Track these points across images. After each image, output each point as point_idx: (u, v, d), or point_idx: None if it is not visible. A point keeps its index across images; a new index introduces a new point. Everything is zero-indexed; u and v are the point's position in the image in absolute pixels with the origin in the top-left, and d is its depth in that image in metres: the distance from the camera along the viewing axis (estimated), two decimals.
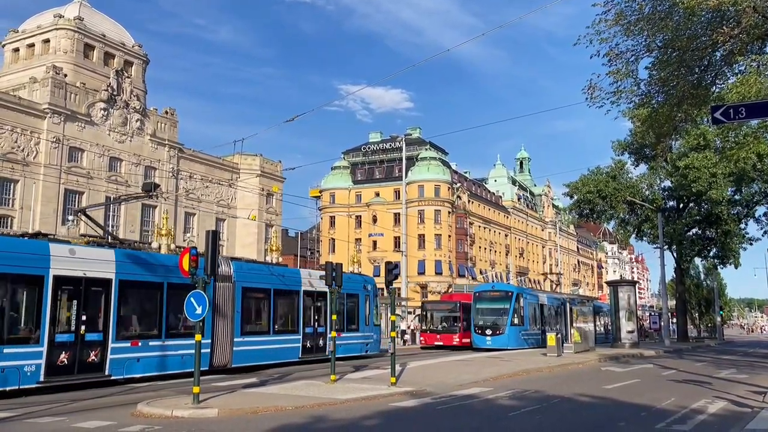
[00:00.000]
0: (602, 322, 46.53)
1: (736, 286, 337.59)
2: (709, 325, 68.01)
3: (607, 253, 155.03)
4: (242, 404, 12.10)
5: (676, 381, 17.74)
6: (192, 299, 12.15)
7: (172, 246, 21.91)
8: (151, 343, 17.02)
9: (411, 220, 72.79)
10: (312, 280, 23.42)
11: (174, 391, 14.24)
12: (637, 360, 27.79)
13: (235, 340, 19.56)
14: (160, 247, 20.35)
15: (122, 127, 55.82)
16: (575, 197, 44.55)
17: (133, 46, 63.00)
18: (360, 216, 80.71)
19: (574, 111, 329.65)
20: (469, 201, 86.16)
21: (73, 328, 15.11)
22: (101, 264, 15.88)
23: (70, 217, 50.20)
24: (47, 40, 57.58)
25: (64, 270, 14.90)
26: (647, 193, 45.34)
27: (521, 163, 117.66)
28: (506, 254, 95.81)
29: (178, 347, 17.49)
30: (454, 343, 35.40)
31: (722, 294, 78.28)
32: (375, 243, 78.75)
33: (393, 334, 16.77)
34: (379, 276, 61.27)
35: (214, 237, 12.85)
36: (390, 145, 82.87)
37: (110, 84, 55.06)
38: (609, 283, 43.77)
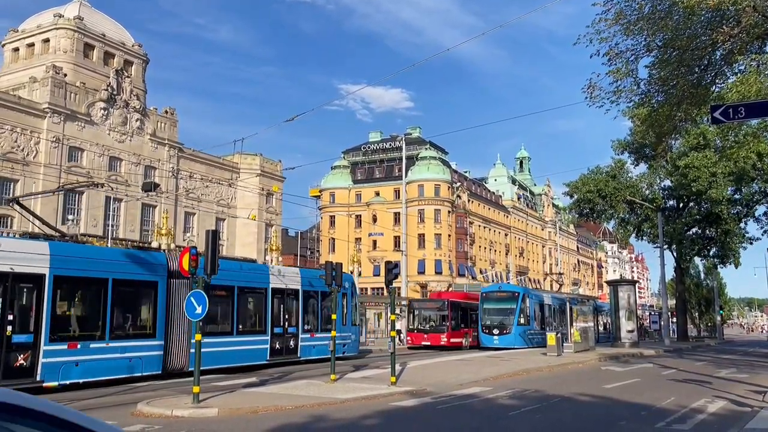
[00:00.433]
0: (602, 322, 46.58)
1: (735, 285, 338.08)
2: (709, 324, 68.06)
3: (607, 253, 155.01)
4: (242, 404, 12.10)
5: (676, 380, 17.74)
6: (192, 299, 12.17)
7: (172, 245, 21.79)
8: (92, 346, 15.43)
9: (411, 219, 72.80)
10: (282, 277, 22.04)
11: (174, 391, 14.25)
12: (637, 359, 27.80)
13: (193, 341, 18.28)
14: (160, 246, 20.30)
15: (122, 127, 55.82)
16: (575, 197, 44.58)
17: (132, 46, 63.00)
18: (360, 215, 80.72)
19: (574, 110, 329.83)
20: (469, 200, 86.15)
21: None
22: (33, 258, 14.27)
23: (70, 217, 50.22)
24: (47, 40, 57.58)
25: None
26: (647, 192, 45.37)
27: (521, 162, 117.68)
28: (506, 254, 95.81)
29: (125, 349, 16.08)
30: (442, 342, 34.55)
31: (722, 293, 78.33)
32: (375, 242, 78.76)
33: (393, 333, 16.75)
34: (379, 275, 61.41)
35: (214, 237, 12.86)
36: (390, 145, 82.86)
37: (110, 83, 55.05)
38: (609, 283, 43.81)
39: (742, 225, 45.66)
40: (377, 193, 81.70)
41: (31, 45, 58.71)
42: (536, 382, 16.73)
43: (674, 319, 54.46)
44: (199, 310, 12.08)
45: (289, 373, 19.40)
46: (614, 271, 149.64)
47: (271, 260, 53.31)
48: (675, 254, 46.86)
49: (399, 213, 69.55)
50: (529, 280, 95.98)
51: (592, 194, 42.87)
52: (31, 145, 49.11)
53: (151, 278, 17.02)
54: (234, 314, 19.80)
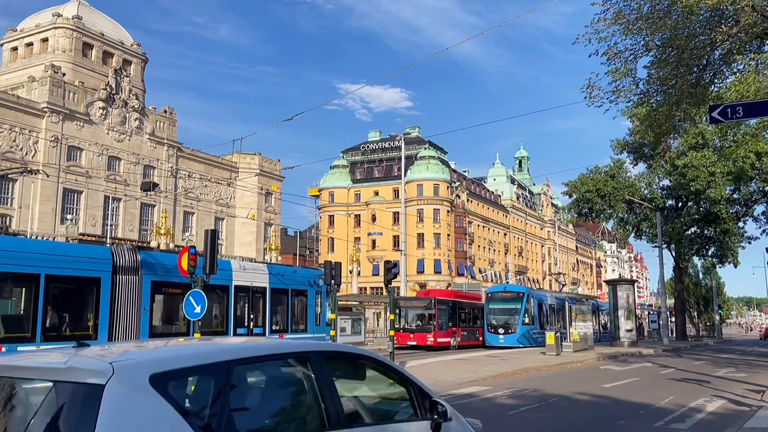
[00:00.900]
0: (601, 321, 46.63)
1: (734, 285, 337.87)
2: (708, 323, 68.10)
3: (606, 252, 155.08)
4: None
5: (674, 379, 17.75)
6: (191, 298, 12.16)
7: (171, 245, 21.56)
8: (21, 349, 13.78)
9: (410, 219, 72.85)
10: (247, 273, 20.45)
11: None
12: (636, 358, 27.81)
13: None
14: (159, 246, 20.15)
15: (121, 126, 55.78)
16: (574, 196, 44.59)
17: (131, 45, 62.97)
18: (359, 215, 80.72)
19: (573, 110, 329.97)
20: (468, 200, 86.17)
21: None
22: None
23: (69, 216, 50.22)
24: (46, 39, 57.55)
25: None
26: (646, 192, 45.41)
27: (520, 162, 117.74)
28: (505, 253, 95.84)
29: None
30: (428, 342, 33.74)
31: (721, 293, 78.43)
32: (374, 242, 78.78)
33: (392, 333, 16.76)
34: (378, 275, 61.35)
35: (213, 236, 12.89)
36: (389, 144, 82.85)
37: (109, 83, 55.01)
38: (608, 282, 43.84)
39: (740, 224, 45.75)
40: (376, 193, 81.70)
41: (30, 44, 58.68)
42: (535, 382, 16.74)
43: (673, 319, 54.51)
44: (198, 309, 12.09)
45: None
46: (613, 270, 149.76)
47: (270, 259, 53.31)
48: (674, 254, 46.91)
49: (398, 212, 69.60)
50: (528, 279, 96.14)
51: (591, 194, 42.90)
52: (30, 144, 49.07)
53: (92, 274, 15.30)
54: None
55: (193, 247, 12.95)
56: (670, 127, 23.17)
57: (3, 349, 13.50)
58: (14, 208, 47.96)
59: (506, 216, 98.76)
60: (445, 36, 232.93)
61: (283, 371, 3.68)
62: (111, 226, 53.65)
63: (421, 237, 75.99)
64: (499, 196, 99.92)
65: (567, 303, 40.45)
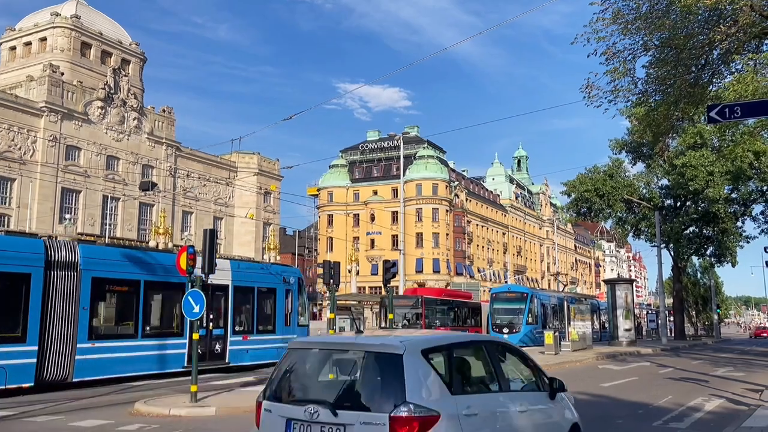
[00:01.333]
0: (600, 321, 46.70)
1: (732, 284, 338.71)
2: (707, 323, 68.13)
3: (604, 252, 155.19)
4: (240, 403, 12.08)
5: (673, 379, 17.76)
6: (189, 298, 12.13)
7: (170, 244, 21.29)
8: None
9: (409, 218, 72.85)
10: None
11: (172, 390, 14.23)
12: (635, 358, 27.84)
13: (80, 346, 14.89)
14: (157, 245, 19.91)
15: (119, 126, 55.74)
16: (573, 196, 44.62)
17: (130, 44, 62.91)
18: (358, 214, 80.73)
19: (572, 109, 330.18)
20: (466, 199, 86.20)
21: None
22: None
23: (67, 216, 50.17)
24: (44, 39, 57.49)
25: None
26: (644, 191, 45.44)
27: (519, 161, 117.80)
28: (504, 252, 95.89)
29: None
30: None
31: (719, 292, 78.39)
32: (373, 241, 78.81)
33: None
34: (377, 274, 61.34)
35: (211, 236, 12.88)
36: (388, 144, 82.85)
37: (107, 82, 54.98)
38: (606, 282, 43.90)
39: (739, 224, 45.78)
40: (375, 192, 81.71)
41: (28, 44, 58.61)
42: None
43: (671, 318, 54.55)
44: (196, 309, 12.04)
45: None
46: (612, 269, 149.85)
47: (269, 259, 53.26)
48: (672, 253, 46.94)
49: (397, 212, 69.63)
50: (527, 278, 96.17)
51: (590, 193, 42.93)
52: (28, 143, 49.02)
53: (20, 270, 13.93)
54: (140, 313, 16.60)
55: (192, 246, 12.91)
56: (668, 127, 23.17)
57: None
58: (12, 207, 47.92)
59: (505, 215, 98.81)
60: (444, 36, 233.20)
61: (475, 351, 5.81)
62: (109, 225, 53.63)
63: (419, 236, 76.02)
64: (498, 195, 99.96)
65: (566, 303, 40.70)
